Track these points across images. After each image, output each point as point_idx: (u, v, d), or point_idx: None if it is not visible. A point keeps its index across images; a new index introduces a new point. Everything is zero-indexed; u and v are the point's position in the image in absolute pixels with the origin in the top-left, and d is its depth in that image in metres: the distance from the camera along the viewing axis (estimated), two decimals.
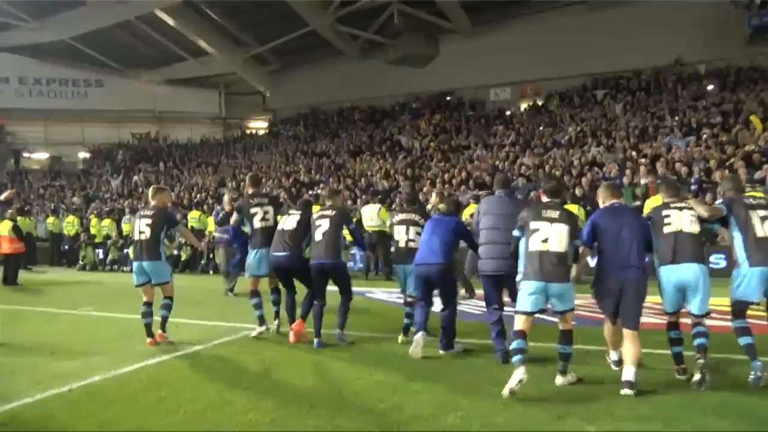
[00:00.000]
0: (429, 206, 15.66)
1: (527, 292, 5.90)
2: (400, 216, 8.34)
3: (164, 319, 8.38)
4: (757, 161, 15.59)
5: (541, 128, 24.04)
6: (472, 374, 6.49)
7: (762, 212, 6.05)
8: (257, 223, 8.56)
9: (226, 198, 12.50)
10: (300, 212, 8.40)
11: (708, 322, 6.10)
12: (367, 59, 32.41)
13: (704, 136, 18.48)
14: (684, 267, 5.89)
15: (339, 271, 8.03)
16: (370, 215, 15.80)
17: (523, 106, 28.86)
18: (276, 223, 8.56)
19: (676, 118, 21.10)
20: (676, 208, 6.17)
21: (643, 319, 6.29)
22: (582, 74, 27.74)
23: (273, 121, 37.01)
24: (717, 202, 6.62)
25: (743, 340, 5.84)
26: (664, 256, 6.00)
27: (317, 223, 8.00)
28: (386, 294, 12.55)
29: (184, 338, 8.57)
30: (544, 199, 6.45)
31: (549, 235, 5.94)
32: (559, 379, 5.98)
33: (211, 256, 18.17)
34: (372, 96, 32.62)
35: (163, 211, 8.50)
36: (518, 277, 6.18)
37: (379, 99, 32.62)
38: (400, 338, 8.05)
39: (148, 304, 8.34)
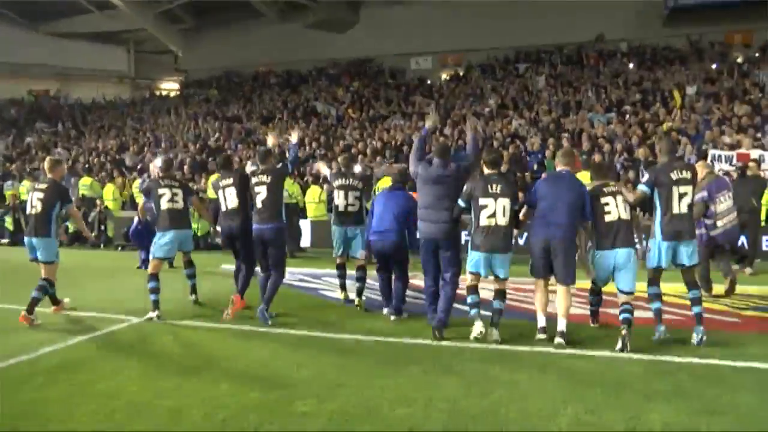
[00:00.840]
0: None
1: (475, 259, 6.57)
2: (340, 181, 8.50)
3: (35, 301, 7.78)
4: (675, 139, 15.45)
5: (461, 99, 23.44)
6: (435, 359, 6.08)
7: (683, 188, 6.42)
8: (164, 204, 8.25)
9: (153, 166, 11.51)
10: (232, 179, 8.17)
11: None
12: (286, 22, 30.86)
13: (626, 113, 18.31)
14: (620, 252, 6.40)
15: (278, 239, 7.80)
16: None
17: (444, 76, 28.19)
18: (186, 207, 8.41)
19: (599, 94, 20.95)
20: (610, 194, 6.56)
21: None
22: (504, 47, 27.38)
23: (185, 83, 35.04)
24: (643, 179, 6.99)
25: (654, 305, 6.54)
26: (604, 241, 6.47)
27: (256, 189, 7.76)
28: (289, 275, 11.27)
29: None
30: (486, 171, 6.75)
31: (496, 210, 6.48)
32: (493, 331, 6.54)
33: (103, 228, 16.65)
34: (289, 60, 31.29)
35: (58, 185, 8.21)
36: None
37: (297, 64, 31.36)
38: (341, 294, 8.81)
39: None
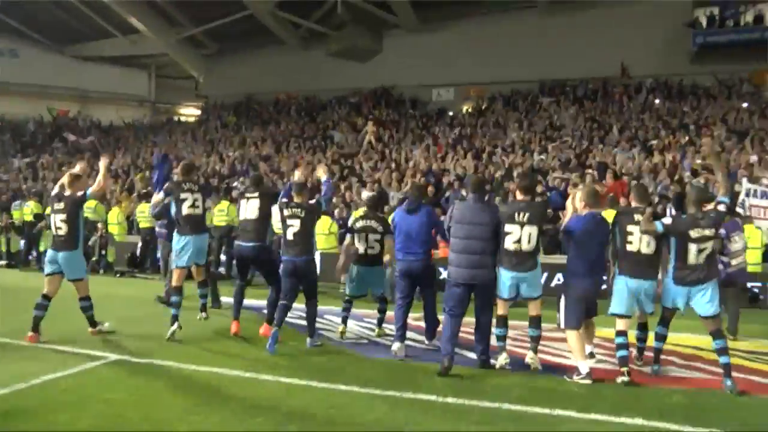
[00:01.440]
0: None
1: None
2: (361, 223, 8.49)
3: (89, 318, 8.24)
4: (705, 179, 14.72)
5: (482, 130, 22.95)
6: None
7: (702, 245, 6.36)
8: (186, 210, 8.26)
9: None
10: (259, 195, 8.24)
11: None
12: (308, 50, 30.87)
13: (652, 149, 17.70)
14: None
15: (312, 273, 8.04)
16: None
17: (466, 107, 27.73)
18: (204, 211, 8.51)
19: (624, 130, 20.39)
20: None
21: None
22: (528, 80, 26.86)
23: (205, 108, 34.90)
24: (664, 220, 6.66)
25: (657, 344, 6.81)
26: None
27: (288, 222, 7.88)
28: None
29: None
30: (518, 196, 6.87)
31: (521, 237, 6.66)
32: (530, 354, 6.89)
33: (103, 252, 16.14)
34: (310, 88, 30.99)
35: (74, 199, 8.15)
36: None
37: (317, 92, 31.04)
38: (376, 330, 8.83)
39: (47, 297, 8.02)
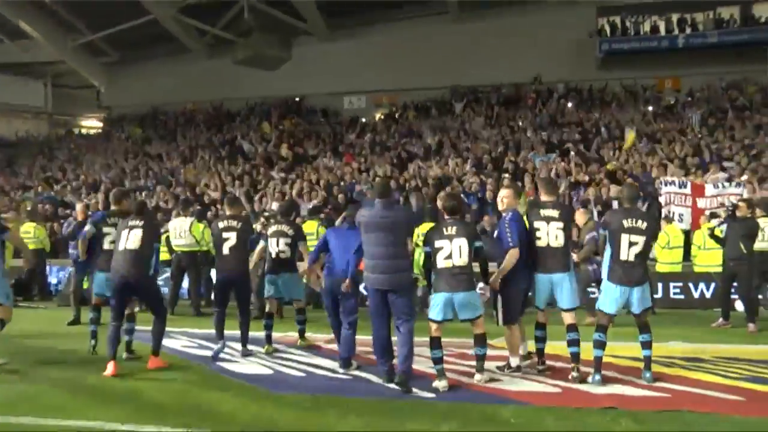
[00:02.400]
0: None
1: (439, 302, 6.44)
2: (273, 228, 8.62)
3: None
4: (621, 178, 15.22)
5: (395, 138, 22.62)
6: None
7: (633, 237, 6.41)
8: (107, 245, 8.03)
9: (78, 207, 11.30)
10: (143, 223, 7.53)
11: None
12: (214, 58, 29.58)
13: (568, 153, 17.79)
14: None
15: (246, 285, 8.26)
16: (180, 230, 12.59)
17: (379, 115, 27.36)
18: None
19: (538, 134, 20.52)
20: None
21: None
22: (440, 86, 26.76)
23: (107, 120, 33.09)
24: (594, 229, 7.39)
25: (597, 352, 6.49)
26: None
27: (224, 236, 7.88)
28: (187, 339, 9.44)
29: None
30: (445, 217, 6.72)
31: (452, 251, 6.39)
32: (477, 376, 6.56)
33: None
34: (217, 98, 29.93)
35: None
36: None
37: (225, 101, 30.01)
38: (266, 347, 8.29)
39: None
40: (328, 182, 17.94)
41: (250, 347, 8.22)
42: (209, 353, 8.09)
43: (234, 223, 7.96)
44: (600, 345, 6.48)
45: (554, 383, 6.53)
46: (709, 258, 11.93)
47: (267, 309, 8.74)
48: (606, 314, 6.57)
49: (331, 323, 7.75)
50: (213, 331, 8.30)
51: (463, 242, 6.42)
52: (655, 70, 24.85)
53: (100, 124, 34.17)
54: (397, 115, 26.38)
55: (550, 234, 6.65)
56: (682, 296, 12.35)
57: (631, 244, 6.39)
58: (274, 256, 8.50)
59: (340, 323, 7.41)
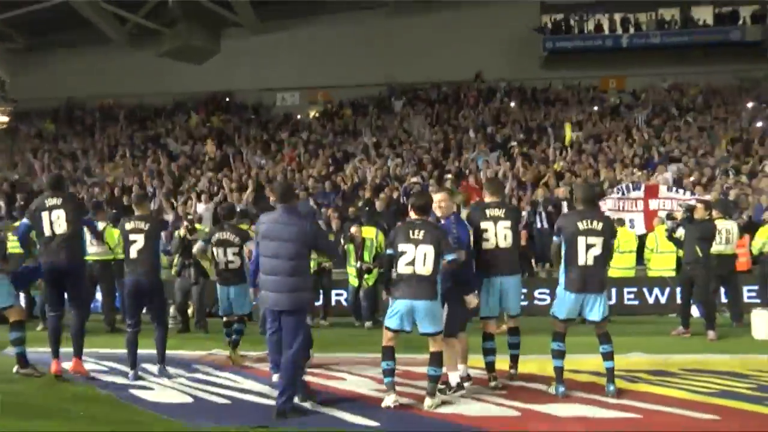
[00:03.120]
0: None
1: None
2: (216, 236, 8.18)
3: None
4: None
5: (331, 137, 21.34)
6: None
7: (590, 239, 6.01)
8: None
9: None
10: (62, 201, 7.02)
11: None
12: (137, 49, 27.41)
13: (514, 153, 16.91)
14: None
15: (159, 292, 7.42)
16: (91, 237, 11.18)
17: (313, 113, 25.98)
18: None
19: (480, 133, 19.66)
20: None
21: None
22: (378, 83, 25.66)
23: (14, 113, 30.35)
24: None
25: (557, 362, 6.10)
26: None
27: (131, 237, 7.22)
28: (95, 362, 7.95)
29: None
30: (412, 215, 6.04)
31: (415, 257, 5.74)
32: (427, 401, 5.71)
33: None
34: (140, 92, 27.72)
35: None
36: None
37: (148, 96, 27.84)
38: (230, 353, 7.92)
39: None
40: (257, 182, 16.49)
41: (170, 369, 7.33)
42: (121, 379, 7.08)
43: (141, 224, 7.23)
44: (559, 354, 6.10)
45: (510, 404, 5.82)
46: (663, 262, 11.83)
47: (225, 320, 8.27)
48: (561, 321, 6.16)
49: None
50: (124, 352, 7.34)
51: (429, 250, 5.73)
52: (599, 69, 24.61)
53: (6, 119, 31.27)
54: (332, 113, 25.00)
55: (498, 234, 6.33)
56: (636, 302, 12.10)
57: (589, 246, 6.00)
58: (222, 267, 8.07)
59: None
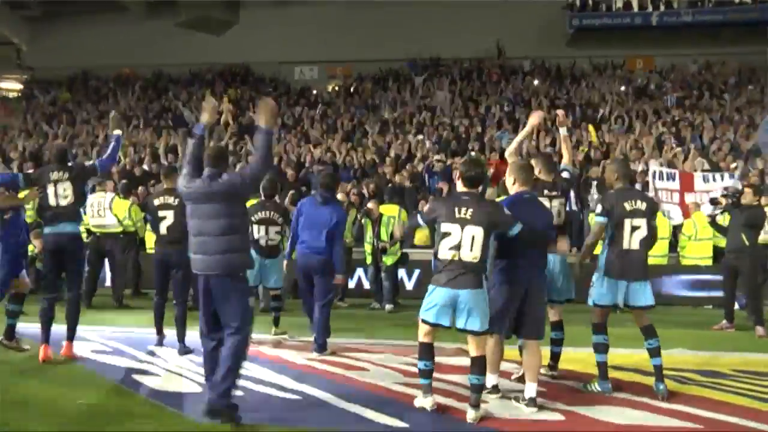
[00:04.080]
0: None
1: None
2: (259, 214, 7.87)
3: None
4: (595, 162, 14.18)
5: (351, 111, 20.86)
6: None
7: (636, 221, 5.62)
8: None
9: None
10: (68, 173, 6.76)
11: None
12: (154, 19, 27.04)
13: (540, 134, 16.37)
14: None
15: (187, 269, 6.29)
16: (98, 208, 10.77)
17: (332, 87, 25.42)
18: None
19: (502, 111, 19.07)
20: None
21: None
22: (398, 58, 24.97)
23: (30, 82, 30.02)
24: (597, 210, 6.01)
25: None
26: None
27: (160, 213, 7.16)
28: (100, 342, 7.61)
29: None
30: (459, 188, 5.24)
31: (461, 241, 4.93)
32: (471, 413, 4.98)
33: None
34: (156, 63, 27.37)
35: None
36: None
37: (166, 66, 27.46)
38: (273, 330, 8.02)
39: None
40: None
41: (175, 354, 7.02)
42: (125, 363, 6.67)
43: (171, 199, 7.11)
44: (603, 348, 5.71)
45: (553, 406, 5.30)
46: (700, 249, 11.23)
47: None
48: (601, 310, 5.74)
49: (305, 308, 7.40)
50: (133, 330, 7.59)
51: (478, 232, 4.91)
52: (626, 48, 23.77)
53: (20, 86, 30.91)
54: (352, 88, 24.44)
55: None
56: (671, 291, 11.26)
57: (634, 228, 5.61)
58: (263, 244, 7.84)
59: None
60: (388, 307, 10.36)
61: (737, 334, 8.67)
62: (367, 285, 11.33)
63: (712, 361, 6.92)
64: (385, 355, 6.96)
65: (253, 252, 7.75)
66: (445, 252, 4.97)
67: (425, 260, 10.80)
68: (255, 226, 7.81)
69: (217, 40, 26.47)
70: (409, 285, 11.49)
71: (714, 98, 19.62)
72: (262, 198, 8.03)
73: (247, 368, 6.23)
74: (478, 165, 5.44)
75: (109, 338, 7.74)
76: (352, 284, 11.43)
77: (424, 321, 5.06)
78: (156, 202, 7.30)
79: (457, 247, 4.92)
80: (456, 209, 4.97)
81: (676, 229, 11.90)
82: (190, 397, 5.45)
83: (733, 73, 21.81)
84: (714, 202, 10.56)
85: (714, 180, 12.21)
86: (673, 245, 11.75)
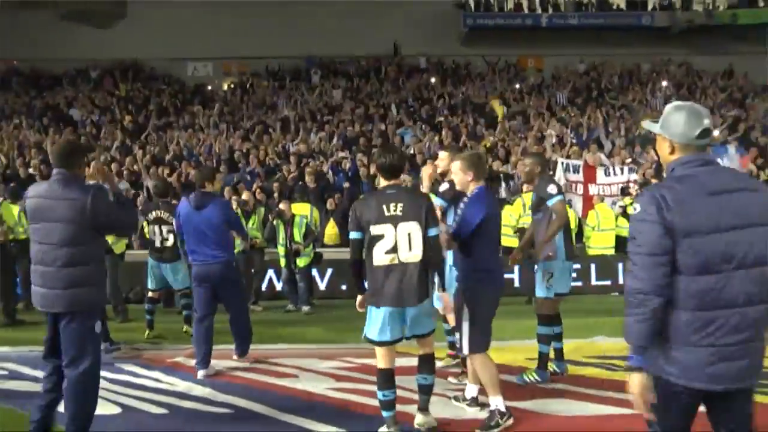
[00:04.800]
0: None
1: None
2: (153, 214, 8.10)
3: None
4: (502, 156, 14.64)
5: (248, 109, 20.44)
6: None
7: None
8: None
9: None
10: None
11: None
12: (32, 9, 25.32)
13: (440, 129, 16.61)
14: None
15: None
16: None
17: (227, 84, 24.81)
18: None
19: (404, 109, 19.27)
20: None
21: None
22: (294, 56, 24.73)
23: None
24: (552, 191, 5.55)
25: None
26: None
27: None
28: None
29: None
30: (381, 182, 4.59)
31: (397, 241, 4.29)
32: (419, 418, 4.54)
33: None
34: (37, 57, 25.65)
35: None
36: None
37: (49, 62, 25.76)
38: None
39: None
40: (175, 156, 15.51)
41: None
42: (21, 386, 5.80)
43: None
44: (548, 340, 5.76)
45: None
46: (603, 239, 11.62)
47: (150, 295, 8.40)
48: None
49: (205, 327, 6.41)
50: (29, 349, 6.60)
51: (414, 228, 4.28)
52: (518, 48, 24.58)
53: None
54: (247, 85, 23.94)
55: None
56: (579, 282, 11.30)
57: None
58: (158, 245, 8.11)
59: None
60: (305, 308, 10.13)
61: None
62: (279, 287, 11.10)
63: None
64: (311, 360, 6.59)
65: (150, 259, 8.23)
66: (381, 257, 4.29)
67: (338, 259, 10.77)
68: (149, 226, 8.09)
69: (104, 34, 25.26)
70: (322, 285, 11.34)
71: (602, 96, 20.60)
72: (155, 197, 8.16)
73: (169, 382, 5.90)
74: (393, 151, 4.70)
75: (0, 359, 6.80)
76: (264, 286, 11.19)
77: (370, 341, 4.44)
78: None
79: (394, 250, 4.27)
80: (384, 207, 4.28)
81: (581, 221, 12.33)
82: (109, 420, 4.86)
83: (617, 72, 23.08)
84: (625, 192, 11.08)
85: (615, 174, 12.74)
86: (578, 236, 12.19)
